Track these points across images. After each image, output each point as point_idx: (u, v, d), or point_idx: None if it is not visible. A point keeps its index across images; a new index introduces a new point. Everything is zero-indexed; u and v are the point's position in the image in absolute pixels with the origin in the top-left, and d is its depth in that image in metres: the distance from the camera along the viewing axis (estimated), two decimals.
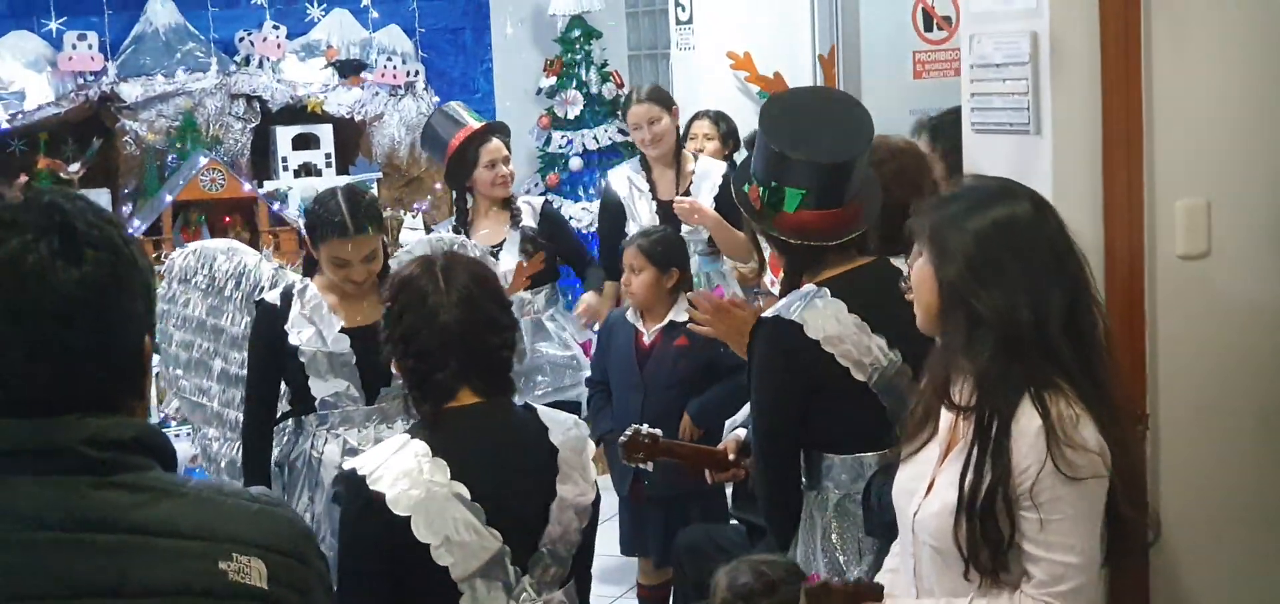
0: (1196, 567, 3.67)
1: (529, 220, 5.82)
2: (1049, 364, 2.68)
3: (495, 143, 5.81)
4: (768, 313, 3.48)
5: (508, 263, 5.64)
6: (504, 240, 5.76)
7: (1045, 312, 2.69)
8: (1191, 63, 3.59)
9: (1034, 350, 2.68)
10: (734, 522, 4.73)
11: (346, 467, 3.03)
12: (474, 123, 5.85)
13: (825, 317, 3.35)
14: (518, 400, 3.25)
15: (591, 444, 3.20)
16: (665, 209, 6.06)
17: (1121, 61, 3.57)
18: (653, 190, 6.26)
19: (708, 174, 6.23)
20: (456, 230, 5.68)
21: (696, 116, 6.70)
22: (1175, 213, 3.61)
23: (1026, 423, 2.64)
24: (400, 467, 2.89)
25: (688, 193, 6.07)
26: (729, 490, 5.11)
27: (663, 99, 6.34)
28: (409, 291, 3.02)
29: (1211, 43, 3.61)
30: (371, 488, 2.86)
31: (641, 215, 6.03)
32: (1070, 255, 2.80)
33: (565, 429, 3.11)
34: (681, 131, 6.63)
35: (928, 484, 2.83)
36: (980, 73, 3.82)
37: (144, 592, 1.72)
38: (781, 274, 3.64)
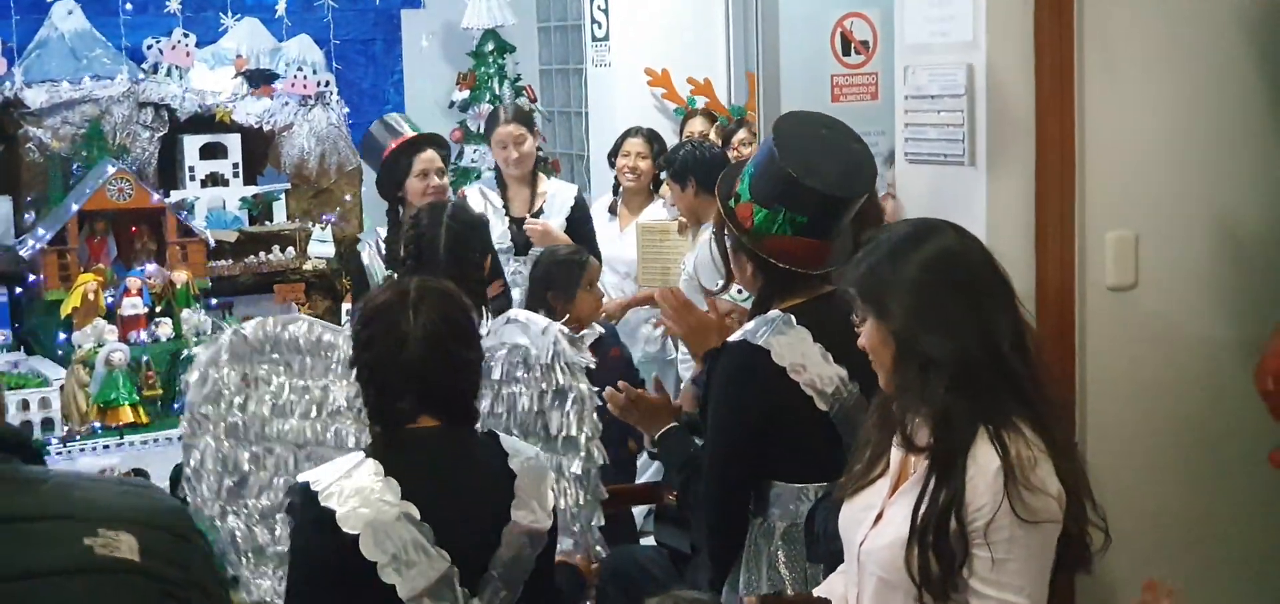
0: (1124, 595, 3.72)
1: None
2: (1006, 393, 2.69)
3: (429, 153, 5.75)
4: (734, 337, 3.48)
5: None
6: None
7: (994, 339, 2.71)
8: (1123, 98, 3.67)
9: (989, 382, 2.69)
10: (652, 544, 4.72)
11: (301, 479, 3.02)
12: (410, 133, 5.79)
13: (792, 344, 3.36)
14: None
15: (551, 474, 3.20)
16: (517, 226, 6.14)
17: (1056, 95, 3.63)
18: (506, 208, 6.30)
19: (558, 195, 6.34)
20: (391, 244, 5.62)
21: (628, 134, 6.71)
22: (1105, 244, 3.68)
23: (985, 461, 2.64)
24: (352, 485, 2.92)
25: (540, 213, 6.17)
26: (643, 512, 5.11)
27: (527, 120, 6.45)
28: (379, 320, 3.05)
29: (1142, 80, 3.69)
30: (322, 504, 2.90)
31: (494, 232, 6.05)
32: (1002, 278, 2.82)
33: (525, 457, 3.14)
34: (613, 148, 6.68)
35: (876, 515, 2.84)
36: (915, 103, 3.86)
37: (22, 575, 1.76)
38: (753, 294, 3.62)
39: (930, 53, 3.81)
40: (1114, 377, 3.68)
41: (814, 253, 3.46)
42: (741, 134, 6.61)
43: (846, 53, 6.02)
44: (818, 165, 3.47)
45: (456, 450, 3.07)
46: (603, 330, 5.22)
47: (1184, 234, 3.74)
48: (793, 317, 3.41)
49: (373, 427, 3.09)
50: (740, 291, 4.23)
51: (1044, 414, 2.73)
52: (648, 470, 4.91)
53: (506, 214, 6.22)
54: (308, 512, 2.94)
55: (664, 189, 6.28)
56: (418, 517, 2.92)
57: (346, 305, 6.76)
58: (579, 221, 6.27)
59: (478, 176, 8.26)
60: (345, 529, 2.88)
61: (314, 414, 3.67)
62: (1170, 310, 3.73)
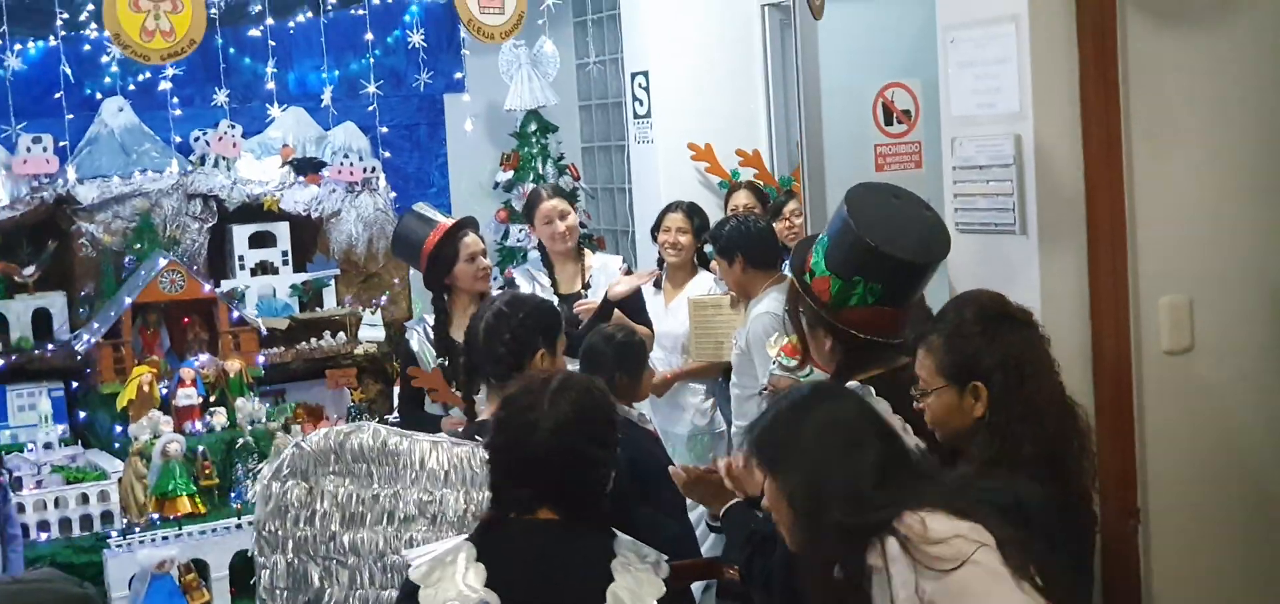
0: None
1: None
2: (885, 515, 2.74)
3: (472, 237, 5.80)
4: None
5: None
6: None
7: (859, 488, 2.77)
8: (1171, 164, 3.70)
9: (871, 518, 2.75)
10: None
11: (412, 565, 3.08)
12: (445, 221, 5.84)
13: None
14: None
15: (658, 581, 3.12)
16: (566, 303, 6.17)
17: (1104, 162, 3.67)
18: (554, 286, 6.33)
19: (605, 268, 6.36)
20: (438, 332, 5.66)
21: (669, 209, 6.74)
22: (1159, 309, 3.70)
23: (891, 551, 2.70)
24: (449, 577, 2.99)
25: (588, 287, 6.21)
26: (701, 587, 5.11)
27: (568, 196, 6.52)
28: (514, 407, 3.11)
29: (1190, 145, 3.72)
30: (412, 578, 3.02)
31: None
32: (873, 418, 2.89)
33: (633, 563, 3.09)
34: (655, 224, 6.73)
35: None
36: (964, 174, 3.90)
37: None
38: (833, 368, 3.62)
39: (977, 124, 3.86)
40: (1173, 440, 3.70)
41: (891, 322, 3.49)
42: (792, 205, 6.61)
43: (889, 122, 6.05)
44: (896, 234, 3.50)
45: (560, 547, 3.05)
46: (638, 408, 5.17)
47: (1237, 297, 3.76)
48: (872, 388, 3.41)
49: (491, 509, 3.12)
50: (807, 371, 4.25)
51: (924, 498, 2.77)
52: (706, 542, 4.90)
53: (554, 291, 6.25)
54: (407, 588, 3.04)
55: (713, 264, 6.29)
56: None
57: (397, 388, 6.79)
58: (626, 297, 6.31)
59: (524, 257, 8.31)
60: None
61: (385, 523, 3.59)
62: (1226, 372, 3.75)
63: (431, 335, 5.76)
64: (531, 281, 6.27)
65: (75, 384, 6.81)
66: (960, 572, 2.67)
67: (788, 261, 6.30)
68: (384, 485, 3.60)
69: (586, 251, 6.50)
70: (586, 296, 6.13)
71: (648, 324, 5.89)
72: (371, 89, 7.93)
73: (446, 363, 5.69)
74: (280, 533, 3.67)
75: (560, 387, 3.10)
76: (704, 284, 6.58)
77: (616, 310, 5.70)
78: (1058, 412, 3.21)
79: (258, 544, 3.71)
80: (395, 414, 6.57)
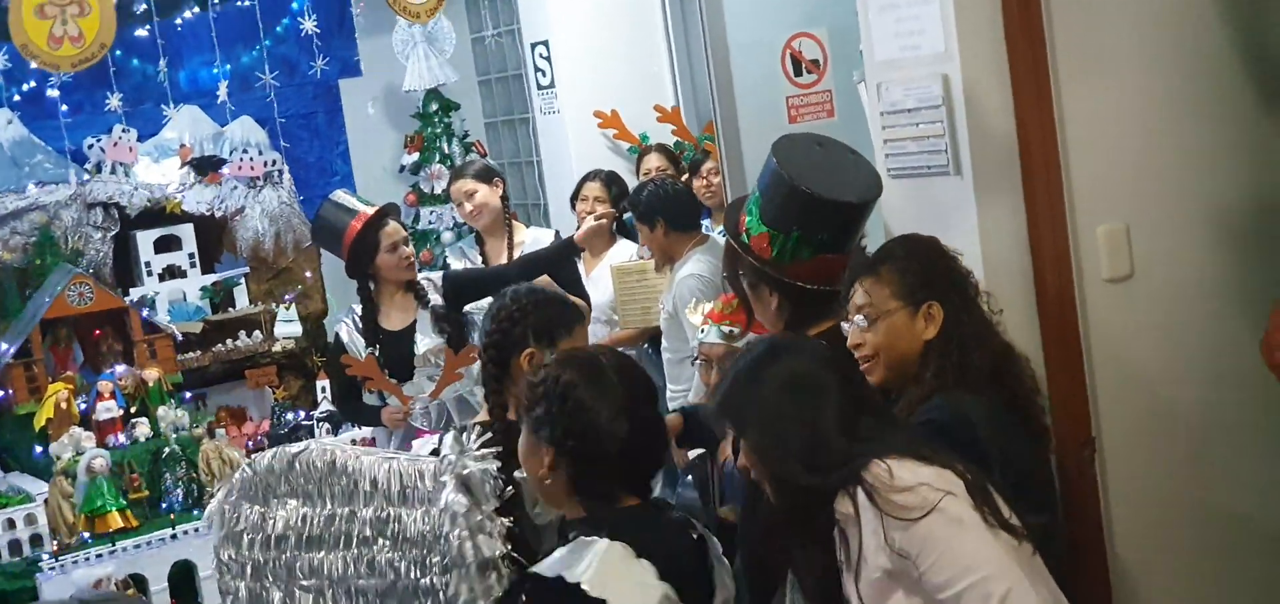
0: (1148, 576, 3.77)
1: (434, 296, 5.77)
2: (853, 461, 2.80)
3: (393, 225, 5.75)
4: None
5: (424, 346, 5.60)
6: (414, 322, 5.70)
7: (825, 437, 2.82)
8: (1100, 92, 3.72)
9: (836, 461, 2.81)
10: None
11: (549, 573, 2.86)
12: (366, 209, 5.78)
13: None
14: None
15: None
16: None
17: (1033, 97, 3.68)
18: (485, 262, 6.34)
19: (538, 242, 6.40)
20: (366, 321, 5.60)
21: (587, 178, 6.74)
22: (1097, 238, 3.72)
23: (860, 500, 2.75)
24: (617, 573, 2.82)
25: None
26: None
27: (481, 173, 6.51)
28: (580, 397, 2.97)
29: (1118, 71, 3.74)
30: (595, 596, 2.78)
31: None
32: (820, 370, 2.91)
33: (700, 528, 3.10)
34: (573, 193, 6.71)
35: None
36: (893, 119, 3.89)
37: None
38: (780, 327, 3.60)
39: (902, 67, 3.85)
40: (1120, 367, 3.72)
41: (836, 269, 3.50)
42: (709, 163, 6.59)
43: (798, 73, 6.06)
44: (830, 179, 3.53)
45: (669, 527, 3.01)
46: None
47: (1174, 221, 3.78)
48: (823, 342, 3.41)
49: (589, 503, 2.98)
50: (732, 331, 4.24)
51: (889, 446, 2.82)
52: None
53: (485, 266, 6.25)
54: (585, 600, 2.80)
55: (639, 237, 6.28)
56: (676, 597, 2.87)
57: (321, 383, 6.72)
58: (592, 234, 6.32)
59: (436, 238, 8.25)
60: None
61: (343, 545, 3.36)
62: (1169, 297, 3.78)
63: (360, 325, 5.71)
64: (463, 260, 6.25)
65: None
66: (927, 520, 2.71)
67: (711, 224, 6.35)
68: (338, 505, 3.39)
69: (517, 226, 6.48)
70: None
71: (583, 295, 5.88)
72: (267, 80, 7.78)
73: (377, 351, 5.65)
74: (237, 559, 3.52)
75: (617, 368, 3.05)
76: (624, 252, 6.58)
77: (548, 278, 5.68)
78: (997, 341, 3.30)
79: (218, 571, 3.57)
80: (321, 409, 6.51)
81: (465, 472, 3.12)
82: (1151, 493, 3.74)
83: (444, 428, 5.32)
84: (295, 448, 3.50)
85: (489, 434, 3.21)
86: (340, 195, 5.98)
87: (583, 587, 2.77)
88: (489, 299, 5.82)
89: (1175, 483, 3.77)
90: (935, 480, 2.76)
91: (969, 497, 2.77)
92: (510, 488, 3.16)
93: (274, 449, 3.56)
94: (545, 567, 2.87)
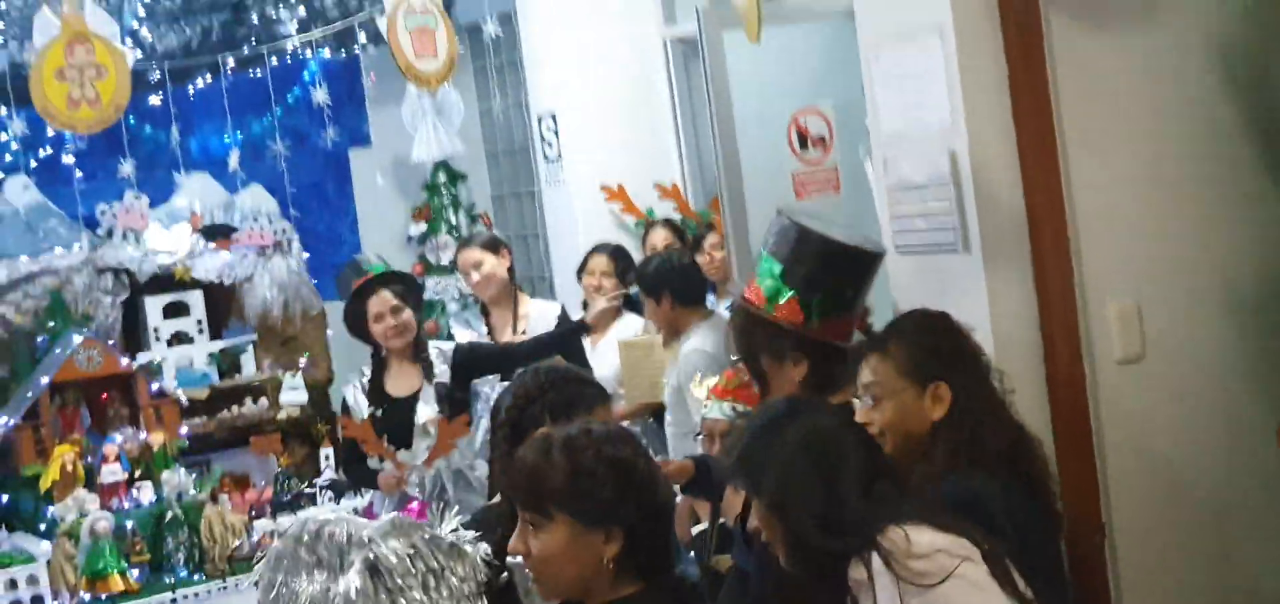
0: None
1: (441, 367, 5.79)
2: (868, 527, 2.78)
3: (382, 294, 5.79)
4: None
5: (424, 415, 5.61)
6: (418, 392, 5.72)
7: (844, 498, 2.81)
8: (1109, 167, 3.70)
9: (854, 526, 2.79)
10: None
11: None
12: (371, 273, 5.83)
13: None
14: None
15: None
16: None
17: (1040, 170, 3.66)
18: (490, 333, 6.36)
19: (543, 315, 6.44)
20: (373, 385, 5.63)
21: (593, 252, 6.76)
22: (1108, 315, 3.68)
23: (875, 566, 2.73)
24: None
25: (524, 334, 6.25)
26: None
27: (489, 243, 6.56)
28: (627, 466, 2.79)
29: (1127, 145, 3.72)
30: None
31: None
32: (840, 432, 2.93)
33: None
34: (580, 267, 6.73)
35: None
36: (900, 194, 3.89)
37: None
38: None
39: (908, 140, 3.84)
40: (1133, 450, 3.68)
41: (851, 328, 3.55)
42: (712, 238, 6.63)
43: (804, 147, 6.11)
44: (846, 236, 3.56)
45: (697, 591, 3.01)
46: None
47: (1186, 298, 3.75)
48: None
49: (651, 579, 2.79)
50: (734, 406, 4.23)
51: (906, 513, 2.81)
52: None
53: (491, 338, 6.28)
54: None
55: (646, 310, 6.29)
56: None
57: (325, 450, 6.72)
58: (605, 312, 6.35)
59: (442, 308, 8.28)
60: None
61: None
62: (1181, 377, 3.73)
63: (367, 388, 5.75)
64: (469, 330, 6.28)
65: None
66: (944, 586, 2.69)
67: (715, 299, 6.36)
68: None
69: (523, 297, 6.51)
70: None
71: (586, 366, 5.90)
72: (278, 149, 7.84)
73: (380, 414, 5.67)
74: None
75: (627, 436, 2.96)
76: (630, 326, 6.59)
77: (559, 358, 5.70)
78: (1008, 414, 3.25)
79: None
80: (324, 477, 6.51)
81: (375, 554, 2.91)
82: (1164, 581, 3.68)
83: (439, 500, 5.33)
84: (320, 512, 3.26)
85: (486, 517, 3.14)
86: (362, 257, 6.06)
87: None
88: (494, 376, 5.91)
89: (1189, 571, 3.72)
90: (953, 547, 2.74)
91: (985, 563, 2.77)
92: (505, 575, 3.07)
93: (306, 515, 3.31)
94: None
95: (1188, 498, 3.72)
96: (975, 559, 2.75)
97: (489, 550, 2.96)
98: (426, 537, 2.99)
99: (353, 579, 2.91)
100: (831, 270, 3.51)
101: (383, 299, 5.79)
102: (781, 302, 3.53)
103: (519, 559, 2.94)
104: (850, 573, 2.80)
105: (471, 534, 2.99)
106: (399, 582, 2.88)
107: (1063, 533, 3.39)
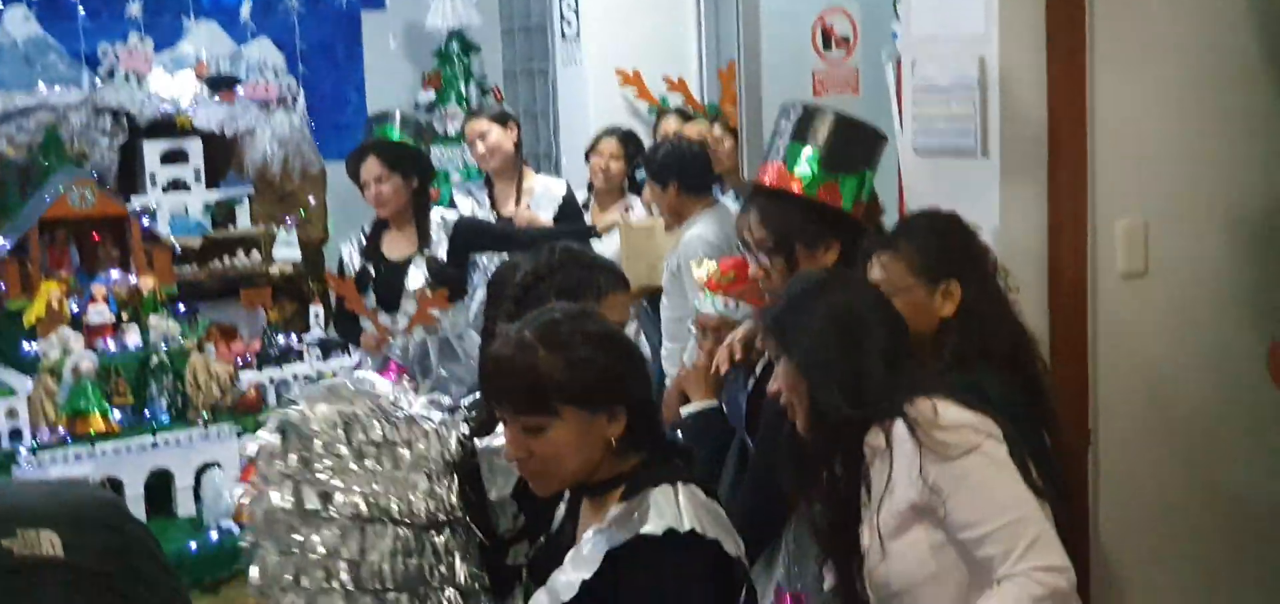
0: (1136, 578, 3.72)
1: (439, 237, 5.70)
2: (896, 395, 2.81)
3: (370, 161, 5.70)
4: None
5: (415, 282, 5.53)
6: (410, 258, 5.63)
7: (872, 369, 2.83)
8: (1132, 88, 3.67)
9: (879, 394, 2.81)
10: None
11: (646, 532, 2.56)
12: (372, 139, 5.73)
13: None
14: None
15: None
16: (506, 224, 6.16)
17: (1067, 86, 3.64)
18: (492, 204, 6.29)
19: (548, 191, 6.38)
20: (371, 244, 5.57)
21: (604, 134, 6.66)
22: (1116, 233, 3.68)
23: (897, 433, 2.77)
24: (703, 510, 2.63)
25: (528, 208, 6.18)
26: None
27: (497, 116, 6.47)
28: (624, 343, 2.75)
29: (1152, 69, 3.69)
30: (711, 537, 2.60)
31: None
32: (876, 306, 2.94)
33: None
34: (588, 148, 6.64)
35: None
36: (924, 96, 3.83)
37: None
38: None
39: (939, 44, 3.79)
40: (1127, 363, 3.69)
41: (877, 215, 3.58)
42: (716, 131, 6.55)
43: (827, 47, 6.00)
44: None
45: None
46: None
47: (1193, 222, 3.75)
48: None
49: (650, 455, 2.70)
50: (728, 304, 4.16)
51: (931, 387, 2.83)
52: None
53: (493, 209, 6.20)
54: (696, 555, 2.58)
55: (645, 192, 6.20)
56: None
57: (314, 308, 6.66)
58: (570, 218, 6.26)
59: (445, 178, 8.17)
60: (727, 550, 2.64)
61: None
62: (1181, 297, 3.74)
63: (363, 245, 5.70)
64: (470, 199, 6.20)
65: None
66: (966, 459, 2.72)
67: (719, 190, 6.27)
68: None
69: (528, 172, 6.43)
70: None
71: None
72: (291, 3, 7.70)
73: (374, 274, 5.61)
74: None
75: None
76: (632, 209, 6.51)
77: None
78: (1016, 324, 3.24)
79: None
80: (312, 335, 6.46)
81: (286, 417, 2.85)
82: (1143, 493, 3.71)
83: (422, 367, 5.27)
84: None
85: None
86: (377, 115, 5.98)
87: (689, 530, 2.57)
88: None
89: (1169, 484, 3.75)
90: (978, 424, 2.77)
91: (1006, 445, 2.78)
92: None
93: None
94: (627, 529, 2.58)
95: (1175, 414, 3.75)
96: (998, 439, 2.77)
97: (465, 430, 2.92)
98: (381, 406, 2.93)
99: (262, 434, 2.87)
100: (864, 157, 3.47)
101: (369, 167, 5.70)
102: (822, 185, 3.45)
103: (487, 442, 2.85)
104: (867, 439, 2.84)
105: (441, 414, 2.96)
106: (317, 446, 2.81)
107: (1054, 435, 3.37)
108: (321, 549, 2.78)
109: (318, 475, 2.83)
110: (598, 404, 2.62)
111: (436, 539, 2.82)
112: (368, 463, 2.85)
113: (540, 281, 3.35)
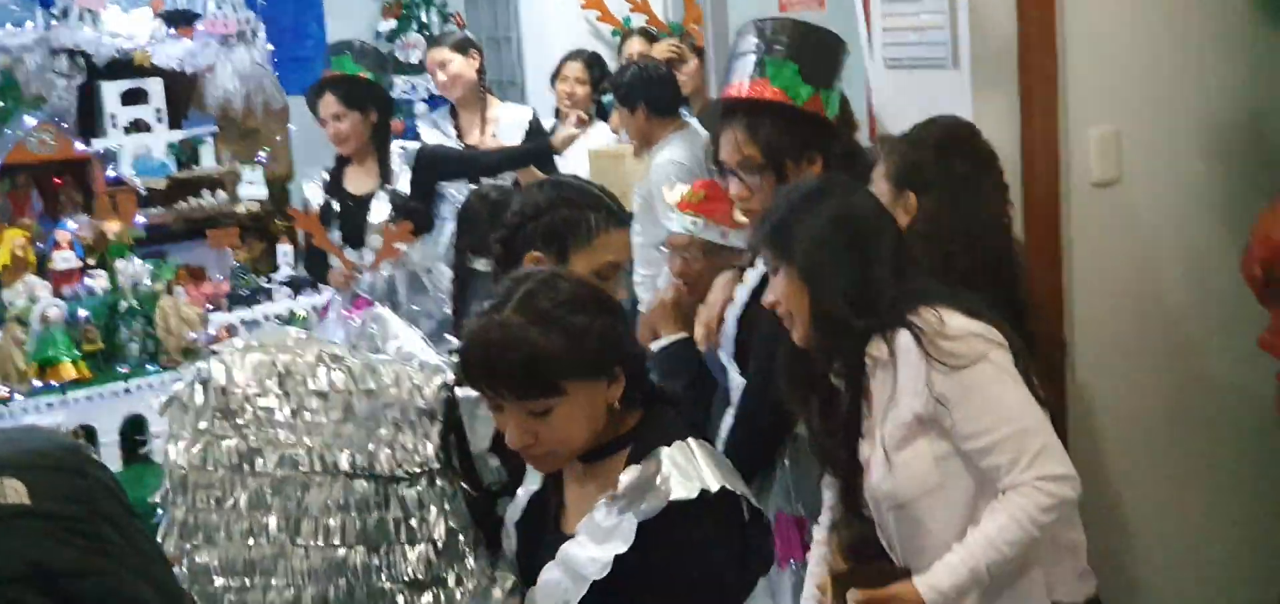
0: (1109, 488, 3.73)
1: (402, 169, 5.65)
2: (900, 305, 2.78)
3: (326, 97, 5.66)
4: None
5: (378, 217, 5.50)
6: (372, 193, 5.59)
7: (879, 274, 2.81)
8: None
9: (884, 302, 2.79)
10: None
11: (678, 496, 2.43)
12: (330, 73, 5.68)
13: None
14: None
15: None
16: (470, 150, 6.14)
17: None
18: (459, 134, 6.25)
19: (513, 119, 6.38)
20: (334, 180, 5.52)
21: (568, 58, 6.61)
22: (1089, 141, 3.66)
23: (902, 343, 2.74)
24: (721, 465, 2.55)
25: (494, 139, 6.14)
26: None
27: (458, 44, 6.41)
28: (600, 297, 2.59)
29: None
30: (738, 493, 2.51)
31: None
32: (876, 212, 2.92)
33: None
34: (553, 73, 6.59)
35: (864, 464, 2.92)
36: (893, 7, 3.80)
37: None
38: None
39: None
40: (1100, 271, 3.69)
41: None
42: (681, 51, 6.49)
43: None
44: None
45: None
46: None
47: (1166, 129, 3.73)
48: None
49: (651, 414, 2.60)
50: (695, 221, 4.13)
51: (936, 296, 2.81)
52: None
53: (459, 139, 6.16)
54: (726, 514, 2.49)
55: (613, 117, 6.16)
56: None
57: (282, 247, 6.61)
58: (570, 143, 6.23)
59: (409, 108, 8.11)
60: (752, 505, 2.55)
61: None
62: (1154, 204, 3.73)
63: (326, 181, 5.66)
64: (436, 130, 6.15)
65: None
66: (975, 369, 2.70)
67: (687, 111, 6.22)
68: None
69: (492, 100, 6.38)
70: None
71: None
72: None
73: (338, 208, 5.58)
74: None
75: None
76: (601, 136, 6.46)
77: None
78: (996, 241, 3.21)
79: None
80: (281, 273, 6.41)
81: (204, 369, 2.76)
82: (1118, 396, 3.72)
83: (391, 302, 5.25)
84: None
85: None
86: (338, 44, 5.92)
87: (726, 491, 2.46)
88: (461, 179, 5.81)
89: (1144, 388, 3.76)
90: (985, 332, 2.76)
91: (1011, 354, 2.78)
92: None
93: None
94: (655, 497, 2.44)
95: (1148, 321, 3.76)
96: (1004, 347, 2.76)
97: (450, 377, 2.73)
98: (331, 353, 2.80)
99: (177, 386, 2.79)
100: (836, 70, 3.46)
101: (326, 104, 5.66)
102: (806, 99, 3.42)
103: (466, 392, 2.68)
104: (869, 349, 2.80)
105: (423, 359, 2.81)
106: (237, 397, 2.72)
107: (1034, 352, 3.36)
108: (243, 505, 2.69)
109: (242, 429, 2.73)
110: (599, 370, 2.49)
111: (407, 492, 2.68)
112: (308, 415, 2.73)
113: (527, 222, 3.13)
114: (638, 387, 2.57)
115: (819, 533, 3.18)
